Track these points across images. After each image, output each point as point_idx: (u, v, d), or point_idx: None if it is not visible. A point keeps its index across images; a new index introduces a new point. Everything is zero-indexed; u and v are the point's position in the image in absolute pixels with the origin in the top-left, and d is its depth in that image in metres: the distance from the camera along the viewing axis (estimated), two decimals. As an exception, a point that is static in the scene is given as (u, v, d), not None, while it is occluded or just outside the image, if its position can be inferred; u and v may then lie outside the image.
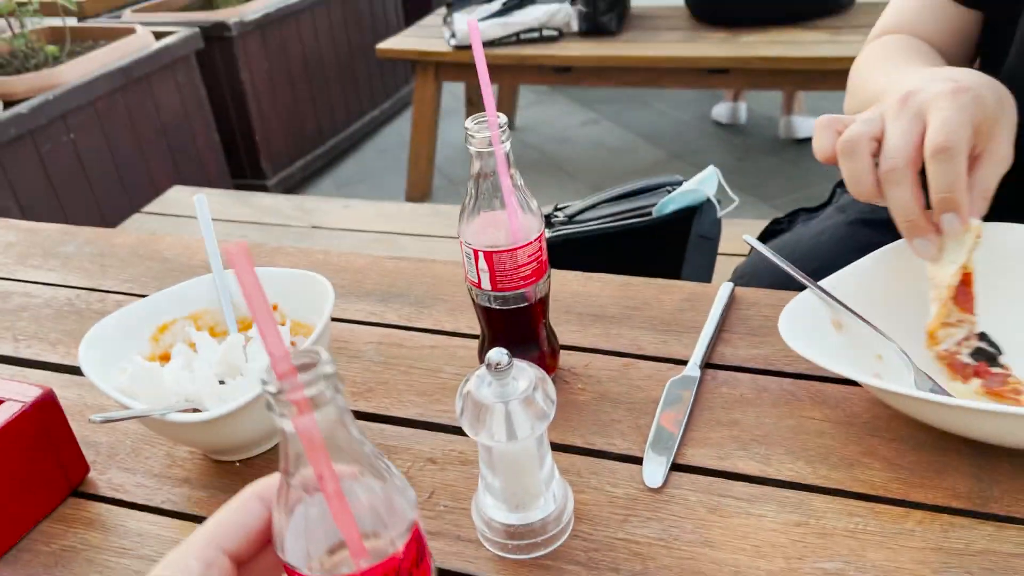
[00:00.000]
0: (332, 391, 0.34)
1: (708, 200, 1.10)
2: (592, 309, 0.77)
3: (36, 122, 2.12)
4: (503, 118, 0.59)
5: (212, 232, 0.73)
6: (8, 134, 2.05)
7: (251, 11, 2.84)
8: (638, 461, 0.60)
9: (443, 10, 2.86)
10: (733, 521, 0.54)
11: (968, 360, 0.62)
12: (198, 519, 0.60)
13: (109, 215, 2.31)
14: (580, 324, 0.75)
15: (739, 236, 1.36)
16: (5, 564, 0.58)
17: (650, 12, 2.71)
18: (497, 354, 0.49)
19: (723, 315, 0.73)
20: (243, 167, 3.00)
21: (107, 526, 0.60)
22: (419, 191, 2.91)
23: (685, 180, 1.15)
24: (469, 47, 2.55)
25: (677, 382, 0.66)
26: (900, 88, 0.60)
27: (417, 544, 0.38)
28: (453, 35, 2.58)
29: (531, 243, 0.62)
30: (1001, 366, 0.62)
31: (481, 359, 0.70)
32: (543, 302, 0.66)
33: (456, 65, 2.67)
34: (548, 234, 0.98)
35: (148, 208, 2.02)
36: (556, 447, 0.62)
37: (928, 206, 0.58)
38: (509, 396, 0.50)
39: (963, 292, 0.61)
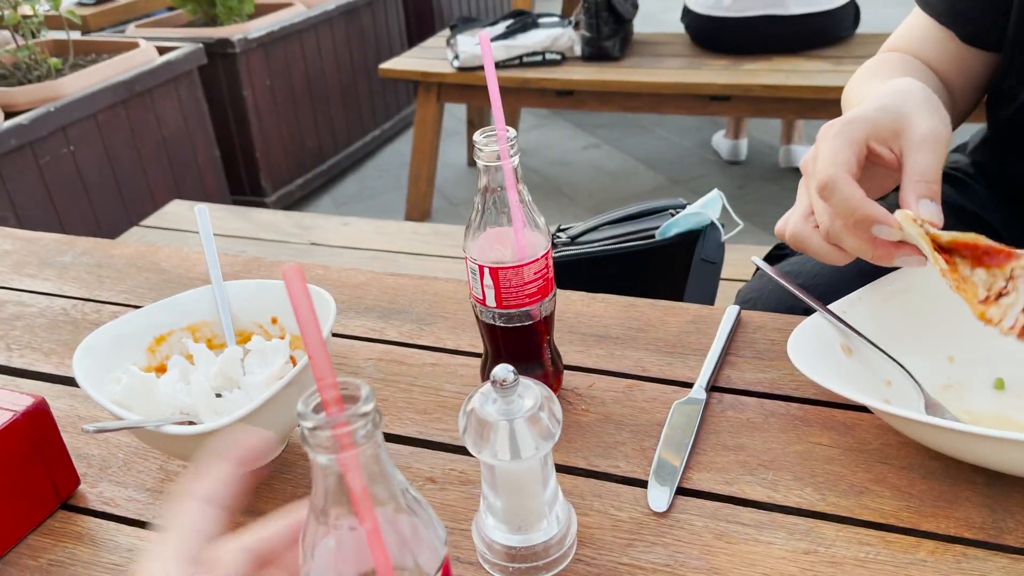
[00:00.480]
0: (372, 427, 0.32)
1: (712, 223, 1.09)
2: (596, 330, 0.76)
3: (36, 133, 2.11)
4: (512, 132, 0.58)
5: (213, 243, 0.72)
6: (8, 145, 2.04)
7: (255, 28, 2.85)
8: (642, 484, 0.59)
9: (446, 32, 2.87)
10: (740, 548, 0.53)
11: None
12: (190, 535, 0.58)
13: (107, 228, 2.30)
14: (584, 344, 0.74)
15: (740, 261, 1.35)
16: (-10, 578, 0.56)
17: (652, 39, 2.73)
18: (503, 371, 0.48)
19: (729, 338, 0.72)
20: (242, 183, 3.00)
21: (96, 541, 0.58)
22: (419, 212, 2.91)
23: (688, 203, 1.15)
24: (472, 69, 2.55)
25: (682, 405, 0.65)
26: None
27: None
28: (456, 56, 2.58)
29: (538, 260, 0.61)
30: None
31: (484, 377, 0.69)
32: (548, 321, 0.65)
33: (458, 86, 2.67)
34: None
35: (147, 222, 2.01)
36: (559, 468, 0.60)
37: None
38: (514, 414, 0.48)
39: (979, 252, 0.56)
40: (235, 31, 2.80)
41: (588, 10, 2.48)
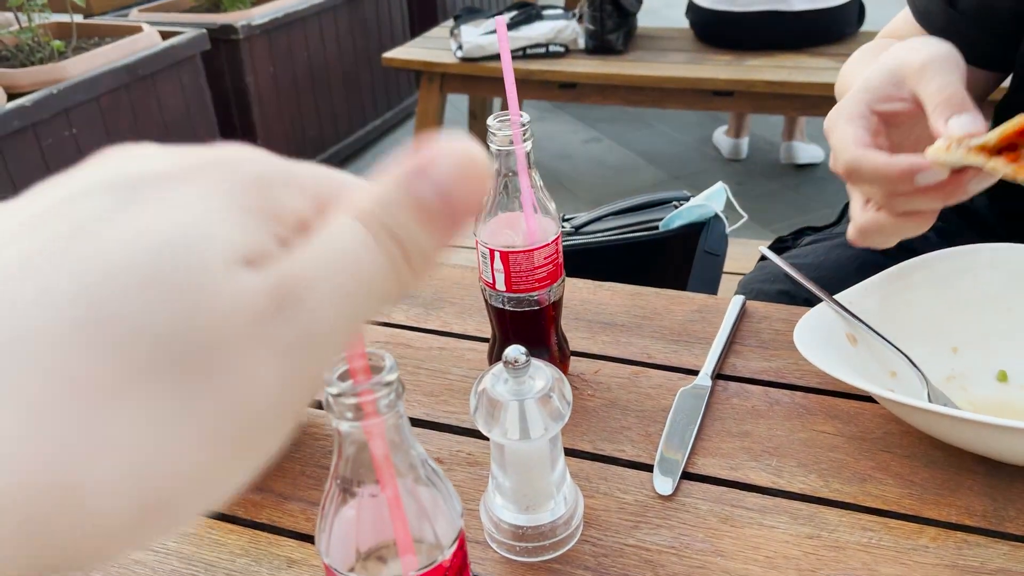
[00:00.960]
0: (395, 396, 0.33)
1: (716, 216, 1.10)
2: (602, 317, 0.77)
3: (39, 116, 2.11)
4: (526, 117, 0.59)
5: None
6: (10, 126, 2.04)
7: (259, 15, 2.84)
8: (648, 468, 0.59)
9: (450, 22, 2.87)
10: (745, 531, 0.54)
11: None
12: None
13: (108, 212, 2.29)
14: (590, 331, 0.75)
15: (743, 254, 1.36)
16: None
17: (656, 33, 2.73)
18: (515, 351, 0.49)
19: (734, 327, 0.73)
20: (243, 170, 2.99)
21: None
22: (419, 201, 2.91)
23: (693, 196, 1.15)
24: (475, 59, 2.55)
25: (688, 392, 0.66)
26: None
27: (462, 553, 0.37)
28: (460, 47, 2.58)
29: (548, 245, 0.62)
30: None
31: (491, 361, 0.70)
32: (556, 306, 0.65)
33: (461, 77, 2.67)
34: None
35: (148, 206, 2.01)
36: (565, 451, 0.61)
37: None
38: (525, 394, 0.49)
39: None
40: (239, 17, 2.80)
41: (592, 3, 2.48)
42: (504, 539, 0.53)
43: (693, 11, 2.59)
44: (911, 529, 0.53)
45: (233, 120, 2.89)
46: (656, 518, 0.55)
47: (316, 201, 0.22)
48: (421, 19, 3.82)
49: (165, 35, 2.55)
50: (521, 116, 0.59)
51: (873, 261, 0.82)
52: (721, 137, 3.27)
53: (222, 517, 0.58)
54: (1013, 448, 0.52)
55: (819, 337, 0.62)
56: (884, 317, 0.65)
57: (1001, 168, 0.49)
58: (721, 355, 0.69)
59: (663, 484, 0.58)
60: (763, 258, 0.89)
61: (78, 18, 2.58)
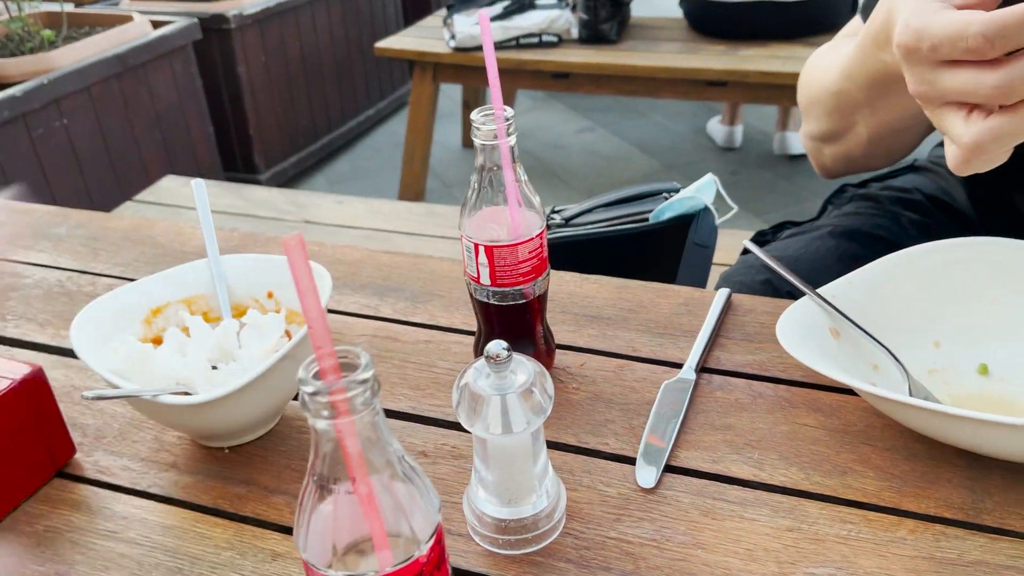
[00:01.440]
0: (370, 394, 0.33)
1: (705, 208, 1.10)
2: (588, 310, 0.77)
3: (29, 105, 2.10)
4: (510, 111, 0.59)
5: (210, 217, 0.72)
6: (1, 117, 2.03)
7: (251, 4, 2.83)
8: (631, 461, 0.60)
9: (443, 11, 2.86)
10: (726, 524, 0.54)
11: None
12: (185, 504, 0.59)
13: (100, 202, 2.29)
14: (576, 324, 0.75)
15: (733, 246, 1.36)
16: (-14, 543, 0.57)
17: (650, 22, 2.72)
18: (496, 346, 0.49)
19: (719, 320, 0.73)
20: (235, 160, 2.99)
21: (92, 508, 0.59)
22: (412, 192, 2.90)
23: (683, 187, 1.15)
24: (468, 49, 2.55)
25: (672, 385, 0.66)
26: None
27: (439, 547, 0.38)
28: (452, 36, 2.58)
29: (532, 239, 0.62)
30: None
31: (477, 355, 0.70)
32: (541, 300, 0.66)
33: (454, 67, 2.67)
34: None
35: (140, 196, 2.01)
36: (549, 444, 0.61)
37: None
38: (507, 389, 0.49)
39: None
40: (230, 6, 2.78)
41: (586, -8, 2.48)
42: (487, 532, 0.53)
43: (687, 1, 2.58)
44: (890, 521, 0.53)
45: (225, 110, 2.88)
46: (638, 511, 0.56)
47: None
48: (414, 8, 3.81)
49: (156, 24, 2.54)
50: (505, 110, 0.59)
51: (853, 254, 0.83)
52: (715, 126, 3.27)
53: (207, 510, 0.58)
54: (993, 441, 0.53)
55: (802, 331, 0.62)
56: (867, 311, 0.65)
57: None
58: (705, 348, 0.69)
59: (646, 477, 0.58)
60: (745, 251, 0.90)
61: (68, 7, 2.57)
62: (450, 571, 0.39)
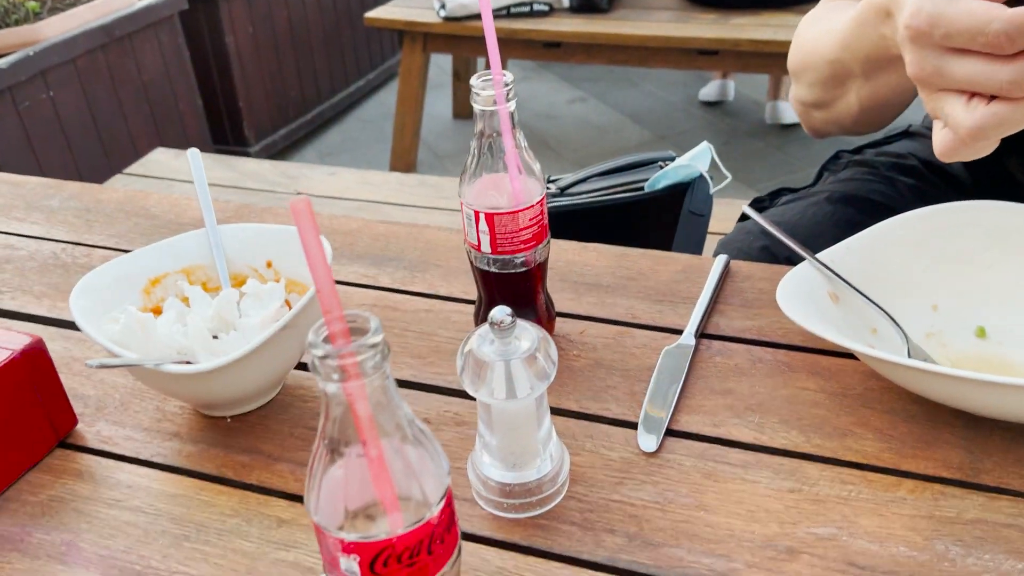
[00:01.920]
0: (380, 358, 0.33)
1: (701, 176, 1.10)
2: (587, 278, 0.77)
3: (15, 78, 2.07)
4: (509, 76, 0.58)
5: (206, 186, 0.72)
6: (-14, 89, 2.01)
7: (237, -26, 2.79)
8: (633, 426, 0.60)
9: (433, -20, 2.82)
10: (727, 486, 0.55)
11: None
12: (189, 473, 0.59)
13: (88, 175, 2.27)
14: (575, 292, 0.75)
15: (728, 214, 1.36)
16: (-9, 513, 0.57)
17: (641, -9, 2.70)
18: (500, 312, 0.49)
19: (718, 286, 0.73)
20: (225, 133, 2.96)
21: (96, 478, 0.59)
22: (403, 164, 2.89)
23: (677, 156, 1.15)
24: (458, 18, 2.52)
25: (672, 351, 0.66)
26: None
27: (449, 510, 0.38)
28: (443, 6, 2.55)
29: (533, 206, 0.62)
30: None
31: (477, 323, 0.70)
32: (542, 267, 0.66)
33: (444, 37, 2.64)
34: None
35: (131, 169, 1.99)
36: (552, 410, 0.62)
37: None
38: (511, 355, 0.49)
39: None
40: (217, -24, 2.74)
41: (577, -40, 2.45)
42: (492, 496, 0.54)
43: (678, -32, 2.56)
44: (889, 482, 0.54)
45: (213, 82, 2.85)
46: (641, 474, 0.56)
47: None
48: (403, -23, 3.76)
49: (142, -6, 2.50)
50: (504, 75, 0.58)
51: (850, 219, 0.83)
52: (707, 87, 3.26)
53: (211, 478, 0.58)
54: (990, 402, 0.53)
55: (801, 295, 0.63)
56: (865, 275, 0.66)
57: None
58: (705, 314, 0.70)
59: (647, 441, 0.58)
60: (743, 218, 0.90)
61: (52, -23, 2.52)
62: (459, 532, 0.40)
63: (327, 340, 0.33)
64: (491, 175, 0.61)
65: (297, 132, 3.23)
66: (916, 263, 0.67)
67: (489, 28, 0.59)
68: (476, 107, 0.59)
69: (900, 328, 0.63)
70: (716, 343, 0.68)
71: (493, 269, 0.64)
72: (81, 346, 0.72)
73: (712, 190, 1.11)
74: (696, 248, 1.15)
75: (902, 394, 0.60)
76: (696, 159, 1.11)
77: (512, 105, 0.59)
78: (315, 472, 0.36)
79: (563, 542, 0.52)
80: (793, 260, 0.68)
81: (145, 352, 0.60)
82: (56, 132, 2.21)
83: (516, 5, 2.51)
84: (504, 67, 0.58)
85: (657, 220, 1.13)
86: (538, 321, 0.67)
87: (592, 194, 1.15)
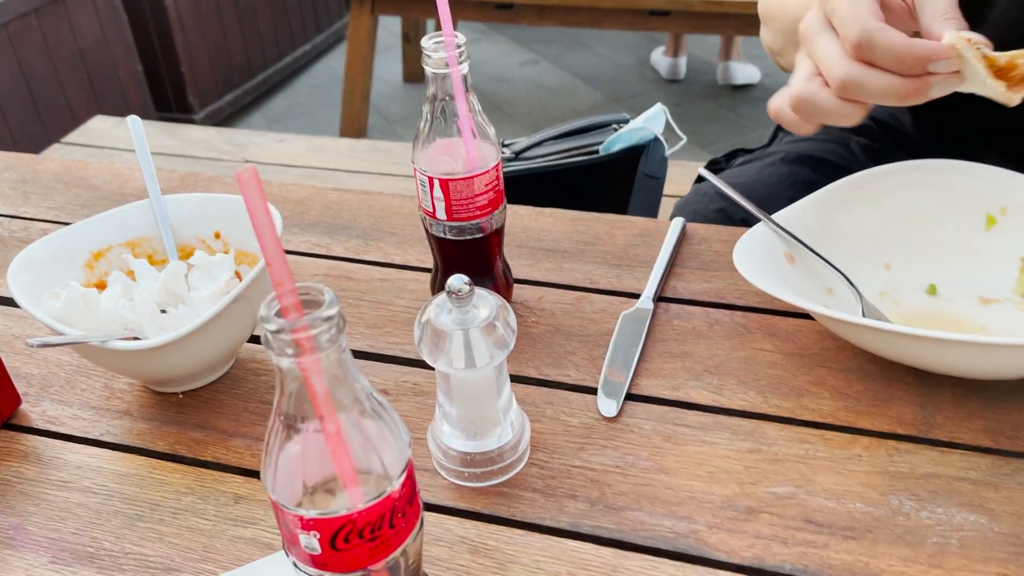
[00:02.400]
0: (335, 331, 0.32)
1: (655, 138, 1.10)
2: (544, 244, 0.76)
3: (-58, 43, 1.98)
4: (462, 38, 0.57)
5: (148, 155, 0.69)
6: (-89, 55, 1.91)
7: (175, -67, 2.69)
8: (592, 392, 0.60)
9: (380, -60, 2.75)
10: (687, 449, 0.55)
11: None
12: (141, 451, 0.58)
13: (23, 145, 2.19)
14: (532, 258, 0.74)
15: (682, 176, 1.36)
16: (-68, 499, 0.55)
17: (592, -50, 2.67)
18: (458, 281, 0.48)
19: (675, 250, 0.73)
20: (168, 100, 2.87)
21: (43, 459, 0.57)
22: (353, 129, 2.84)
23: (632, 118, 1.15)
24: (407, -20, 2.47)
25: (630, 315, 0.66)
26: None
27: (411, 482, 0.37)
28: (390, -34, 2.49)
29: (488, 171, 0.61)
30: None
31: (434, 292, 0.69)
32: (499, 233, 0.65)
33: (393, -2, 2.59)
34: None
35: (69, 139, 1.92)
36: (511, 378, 0.61)
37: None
38: (469, 323, 0.49)
39: None
40: (153, -65, 2.64)
41: (527, -81, 2.41)
42: (453, 466, 0.53)
43: (629, -73, 2.53)
44: (846, 440, 0.55)
45: (154, 47, 2.76)
46: (601, 439, 0.56)
47: None
48: (349, -63, 3.66)
49: (74, -45, 2.40)
50: (456, 37, 0.57)
51: (805, 179, 0.83)
52: (659, 57, 3.25)
53: (164, 456, 0.57)
54: (941, 358, 0.54)
55: (757, 257, 0.63)
56: (820, 235, 0.66)
57: (996, 88, 0.51)
58: (662, 278, 0.70)
59: (607, 406, 0.58)
60: (699, 180, 0.90)
61: (-23, -64, 2.40)
62: (420, 504, 0.39)
63: (279, 314, 0.32)
64: (444, 140, 0.60)
65: (243, 98, 3.15)
66: (869, 222, 0.68)
67: (440, -13, 0.57)
68: (428, 70, 0.58)
69: (854, 287, 0.63)
70: (674, 306, 0.68)
71: (449, 236, 0.63)
72: (21, 323, 0.70)
73: (667, 152, 1.11)
74: (651, 211, 1.15)
75: (857, 353, 0.61)
76: (650, 121, 1.11)
77: (465, 67, 0.58)
78: (271, 448, 0.35)
79: (525, 509, 0.52)
80: (749, 222, 0.68)
81: (90, 328, 0.58)
82: (-11, 100, 2.13)
83: (465, -35, 2.46)
84: (454, 28, 0.56)
85: (613, 183, 1.13)
86: (495, 288, 0.67)
87: (547, 158, 1.14)
